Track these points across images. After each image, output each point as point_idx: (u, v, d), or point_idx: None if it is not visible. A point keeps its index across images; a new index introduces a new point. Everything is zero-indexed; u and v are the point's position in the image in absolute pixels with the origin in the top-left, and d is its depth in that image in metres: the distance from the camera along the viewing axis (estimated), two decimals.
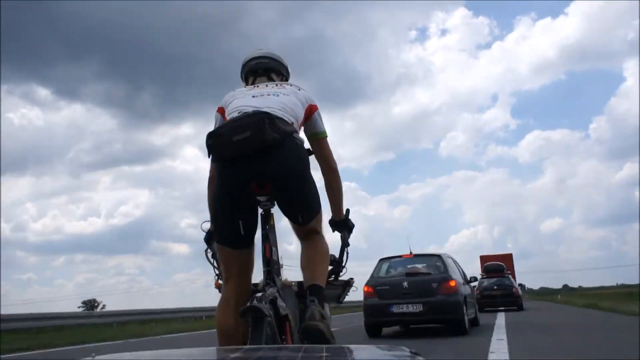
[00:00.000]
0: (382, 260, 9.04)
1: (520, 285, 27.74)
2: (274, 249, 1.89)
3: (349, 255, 2.23)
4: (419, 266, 8.61)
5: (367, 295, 8.30)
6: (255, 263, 1.93)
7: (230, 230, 1.86)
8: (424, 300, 7.70)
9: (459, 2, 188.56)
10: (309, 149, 1.95)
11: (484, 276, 18.53)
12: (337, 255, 2.23)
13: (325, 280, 1.91)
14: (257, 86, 2.11)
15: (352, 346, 1.05)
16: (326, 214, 2.14)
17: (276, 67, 2.26)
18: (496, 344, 6.00)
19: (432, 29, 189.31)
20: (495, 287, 17.79)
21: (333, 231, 2.25)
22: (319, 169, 2.14)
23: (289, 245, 2.52)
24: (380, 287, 8.23)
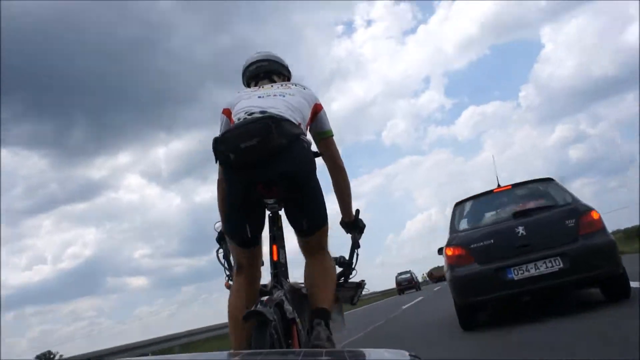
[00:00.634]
0: (459, 204, 5.76)
1: None
2: (281, 251, 1.89)
3: (359, 256, 2.22)
4: (531, 201, 5.34)
5: (455, 261, 5.04)
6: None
7: (238, 232, 1.88)
8: (562, 251, 4.47)
9: None
10: (316, 152, 1.93)
11: None
12: (346, 257, 2.21)
13: (331, 302, 1.89)
14: (263, 87, 2.10)
15: (351, 350, 1.04)
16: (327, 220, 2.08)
17: (277, 68, 2.25)
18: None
19: (357, 22, 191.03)
20: None
21: (347, 232, 2.24)
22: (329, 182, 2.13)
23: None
24: (479, 244, 4.90)
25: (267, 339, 1.53)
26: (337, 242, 2.21)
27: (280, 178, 1.75)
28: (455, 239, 5.23)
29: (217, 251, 2.23)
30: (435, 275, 43.25)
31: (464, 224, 5.54)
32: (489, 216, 5.57)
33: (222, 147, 1.74)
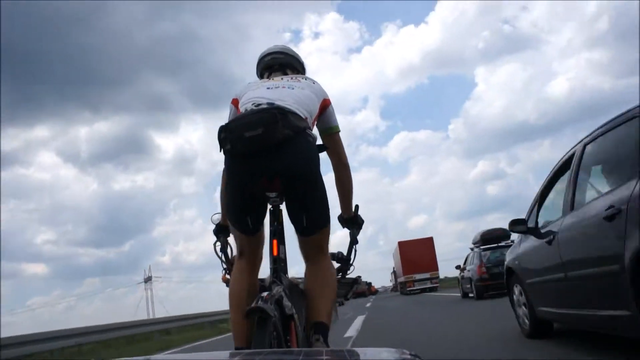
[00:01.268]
0: None
1: None
2: (281, 246, 1.87)
3: (357, 252, 2.22)
4: None
5: None
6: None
7: (240, 222, 1.87)
8: None
9: (330, 5, 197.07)
10: (323, 145, 1.91)
11: (480, 247, 13.45)
12: (344, 252, 2.21)
13: (330, 316, 1.87)
14: (272, 79, 2.09)
15: (352, 349, 1.04)
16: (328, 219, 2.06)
17: (292, 62, 2.24)
18: None
19: (305, 32, 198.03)
20: None
21: (344, 228, 2.24)
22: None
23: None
24: None
25: (268, 335, 1.52)
26: (337, 242, 2.22)
27: (283, 170, 1.73)
28: None
29: (215, 244, 2.22)
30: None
31: None
32: None
33: (227, 136, 1.72)
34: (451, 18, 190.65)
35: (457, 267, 15.07)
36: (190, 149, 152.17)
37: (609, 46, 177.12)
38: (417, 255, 27.34)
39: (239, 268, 1.91)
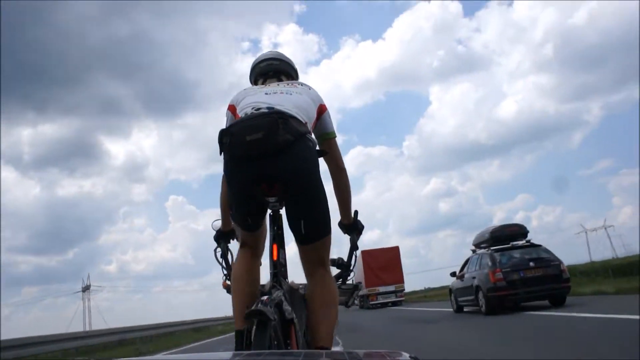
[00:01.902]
0: None
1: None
2: (281, 251, 1.86)
3: (357, 258, 2.21)
4: None
5: None
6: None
7: (241, 220, 1.90)
8: None
9: (290, 16, 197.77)
10: (323, 150, 1.92)
11: (490, 248, 10.81)
12: (345, 259, 2.20)
13: (332, 339, 1.86)
14: (268, 85, 2.09)
15: (351, 351, 1.03)
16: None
17: (286, 69, 2.24)
18: None
19: (264, 42, 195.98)
20: (531, 264, 9.77)
21: (345, 234, 2.23)
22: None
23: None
24: None
25: (267, 338, 1.51)
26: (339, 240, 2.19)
27: (282, 174, 1.73)
28: None
29: (215, 250, 2.21)
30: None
31: None
32: None
33: (227, 139, 1.72)
34: (408, 35, 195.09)
35: (453, 274, 12.59)
36: (142, 155, 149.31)
37: (554, 71, 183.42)
38: (381, 265, 25.11)
39: (241, 254, 1.93)
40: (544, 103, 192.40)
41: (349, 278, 2.22)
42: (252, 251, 1.92)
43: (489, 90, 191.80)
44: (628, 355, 3.72)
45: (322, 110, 2.05)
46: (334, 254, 2.08)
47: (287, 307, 1.72)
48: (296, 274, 1.99)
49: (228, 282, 2.06)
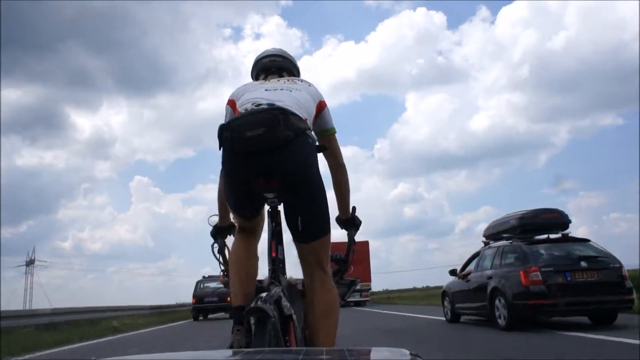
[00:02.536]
0: None
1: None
2: (279, 247, 1.86)
3: (354, 253, 2.22)
4: None
5: None
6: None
7: (239, 211, 1.91)
8: None
9: (275, 7, 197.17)
10: (323, 146, 1.92)
11: (514, 240, 7.83)
12: (342, 254, 2.20)
13: (333, 345, 1.85)
14: (269, 81, 2.09)
15: (352, 348, 1.02)
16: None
17: (289, 66, 2.25)
18: None
19: (247, 31, 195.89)
20: (583, 264, 6.87)
21: (342, 229, 2.24)
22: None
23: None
24: None
25: (267, 335, 1.52)
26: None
27: (280, 170, 1.73)
28: None
29: (212, 246, 2.21)
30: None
31: None
32: None
33: (228, 134, 1.72)
34: (390, 41, 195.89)
35: (453, 272, 9.53)
36: (109, 132, 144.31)
37: (528, 92, 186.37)
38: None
39: (239, 237, 1.94)
40: (515, 121, 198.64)
41: (346, 273, 2.23)
42: (250, 234, 1.94)
43: (464, 103, 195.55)
44: None
45: (321, 106, 2.05)
46: None
47: (285, 303, 1.72)
48: (295, 271, 1.97)
49: (226, 278, 2.06)
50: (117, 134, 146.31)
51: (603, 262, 6.96)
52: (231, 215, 2.12)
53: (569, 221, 8.08)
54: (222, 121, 1.90)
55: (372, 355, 1.06)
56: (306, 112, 1.89)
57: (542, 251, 7.25)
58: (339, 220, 2.22)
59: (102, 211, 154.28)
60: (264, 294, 1.64)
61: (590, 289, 6.66)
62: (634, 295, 6.96)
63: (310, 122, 1.90)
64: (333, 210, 2.04)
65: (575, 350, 5.14)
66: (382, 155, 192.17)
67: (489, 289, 7.56)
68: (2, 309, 12.51)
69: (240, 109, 1.90)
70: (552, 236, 7.79)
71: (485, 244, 8.87)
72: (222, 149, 1.77)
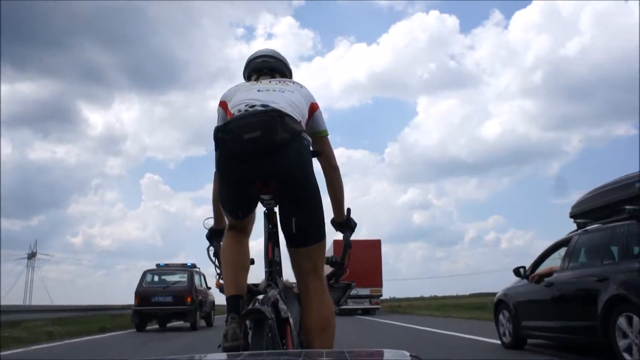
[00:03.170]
0: None
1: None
2: (276, 249, 1.86)
3: (350, 256, 2.20)
4: None
5: None
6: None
7: (231, 211, 1.89)
8: None
9: (288, 8, 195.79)
10: (316, 151, 1.92)
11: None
12: (338, 257, 2.19)
13: None
14: (261, 82, 2.08)
15: (352, 350, 1.02)
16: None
17: (281, 68, 2.24)
18: None
19: (259, 31, 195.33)
20: None
21: (337, 231, 2.23)
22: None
23: None
24: None
25: (265, 337, 1.51)
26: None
27: (278, 172, 1.72)
28: None
29: (208, 249, 2.20)
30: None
31: None
32: None
33: (224, 137, 1.71)
34: (402, 44, 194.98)
35: (519, 270, 6.23)
36: (121, 128, 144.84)
37: (541, 98, 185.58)
38: (357, 261, 15.10)
39: (229, 234, 1.91)
40: (527, 128, 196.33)
41: (342, 277, 2.21)
42: (240, 233, 1.92)
43: (475, 109, 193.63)
44: None
45: (313, 108, 2.04)
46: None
47: (282, 306, 1.72)
48: (292, 273, 1.96)
49: (221, 282, 2.05)
50: (128, 131, 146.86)
51: None
52: None
53: None
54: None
55: (372, 356, 1.07)
56: (299, 114, 1.89)
57: None
58: (334, 222, 2.21)
59: (112, 207, 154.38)
60: (261, 296, 1.63)
61: None
62: None
63: (303, 124, 1.90)
64: (328, 216, 2.03)
65: None
66: (392, 160, 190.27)
67: (603, 298, 4.45)
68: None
69: (233, 110, 1.89)
70: None
71: (580, 226, 5.68)
72: (217, 150, 1.76)
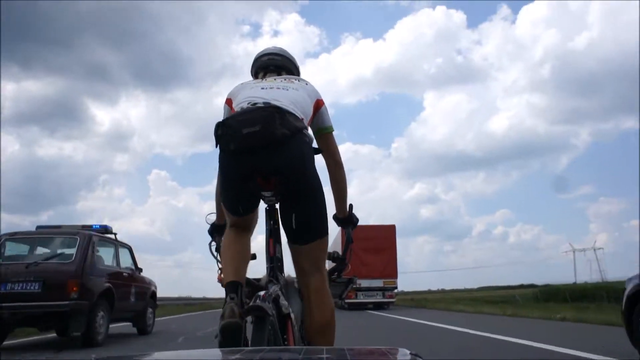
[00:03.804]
0: None
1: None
2: (277, 245, 1.86)
3: (352, 251, 2.21)
4: None
5: None
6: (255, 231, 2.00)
7: (232, 208, 1.88)
8: None
9: (293, 5, 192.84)
10: (318, 148, 1.92)
11: None
12: (340, 252, 2.21)
13: None
14: (266, 79, 2.09)
15: (352, 347, 1.02)
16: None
17: (288, 65, 2.24)
18: None
19: (265, 28, 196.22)
20: None
21: (339, 226, 2.24)
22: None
23: None
24: None
25: (266, 333, 1.52)
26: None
27: (278, 168, 1.73)
28: None
29: (210, 244, 2.20)
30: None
31: None
32: None
33: (224, 132, 1.72)
34: (409, 39, 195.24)
35: None
36: (128, 125, 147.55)
37: (549, 92, 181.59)
38: (369, 247, 16.50)
39: (229, 231, 1.91)
40: (534, 122, 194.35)
41: (344, 272, 2.22)
42: (241, 230, 1.91)
43: (483, 103, 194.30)
44: None
45: (319, 105, 2.04)
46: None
47: (284, 302, 1.73)
48: (293, 269, 1.98)
49: (223, 276, 2.05)
50: (135, 127, 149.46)
51: None
52: None
53: None
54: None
55: (372, 354, 1.06)
56: (302, 111, 1.89)
57: None
58: (336, 218, 2.22)
59: (120, 203, 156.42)
60: (262, 293, 1.63)
61: None
62: None
63: (306, 122, 1.90)
64: (331, 212, 2.02)
65: None
66: (399, 155, 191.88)
67: None
68: None
69: (237, 107, 1.89)
70: None
71: None
72: (218, 146, 1.77)
